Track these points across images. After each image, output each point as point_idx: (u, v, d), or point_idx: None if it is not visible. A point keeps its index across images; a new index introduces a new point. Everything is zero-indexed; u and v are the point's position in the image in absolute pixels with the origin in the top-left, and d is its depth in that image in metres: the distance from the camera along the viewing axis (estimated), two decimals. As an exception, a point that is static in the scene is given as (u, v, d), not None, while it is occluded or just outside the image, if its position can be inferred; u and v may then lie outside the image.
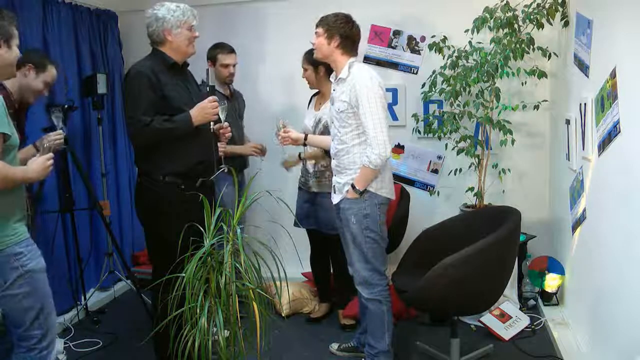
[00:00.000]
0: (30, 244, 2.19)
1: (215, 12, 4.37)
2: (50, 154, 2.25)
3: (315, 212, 3.50)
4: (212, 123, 2.77)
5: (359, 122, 2.75)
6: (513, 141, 3.68)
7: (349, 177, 2.84)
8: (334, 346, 3.27)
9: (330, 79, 3.00)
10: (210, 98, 2.73)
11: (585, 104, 2.94)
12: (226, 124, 2.90)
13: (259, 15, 4.36)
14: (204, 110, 2.70)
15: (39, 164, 2.20)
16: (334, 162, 2.96)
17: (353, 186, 2.79)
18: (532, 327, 3.41)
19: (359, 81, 2.73)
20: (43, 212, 3.52)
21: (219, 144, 3.00)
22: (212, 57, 3.68)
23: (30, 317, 2.16)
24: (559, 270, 3.58)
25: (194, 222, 2.28)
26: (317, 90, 3.59)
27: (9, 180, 2.08)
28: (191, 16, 2.76)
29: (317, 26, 2.84)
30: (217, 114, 2.76)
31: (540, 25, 3.47)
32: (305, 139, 3.24)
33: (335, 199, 2.95)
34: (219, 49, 3.68)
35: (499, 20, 3.53)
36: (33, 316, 2.17)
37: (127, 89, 2.72)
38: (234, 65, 3.69)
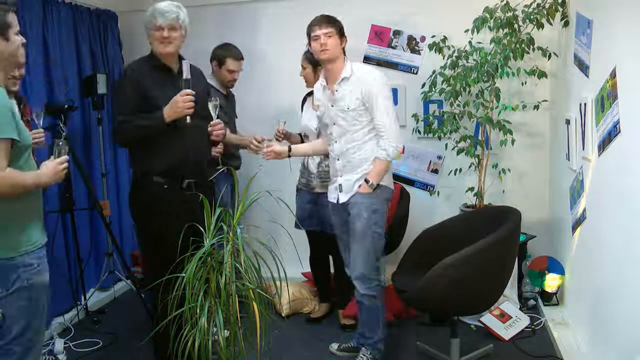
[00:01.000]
0: (42, 255, 2.12)
1: (215, 12, 4.37)
2: (65, 157, 2.16)
3: (318, 212, 3.49)
4: (188, 118, 2.65)
5: (371, 119, 2.83)
6: (513, 141, 3.68)
7: (361, 174, 2.88)
8: (334, 346, 3.28)
9: (320, 81, 3.00)
10: (183, 92, 2.63)
11: (585, 104, 2.94)
12: (217, 120, 2.80)
13: (258, 15, 4.36)
14: (175, 104, 2.62)
15: (51, 168, 2.11)
16: (340, 162, 2.96)
17: (367, 180, 2.84)
18: (532, 327, 3.41)
19: (368, 78, 2.84)
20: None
21: (217, 146, 2.97)
22: (220, 59, 3.62)
23: (16, 330, 2.04)
24: (559, 270, 3.58)
25: (189, 222, 2.28)
26: (311, 90, 3.58)
27: (18, 186, 1.99)
28: (157, 15, 2.67)
29: (324, 27, 2.82)
30: (192, 108, 2.64)
31: (540, 25, 3.47)
32: (290, 150, 3.13)
33: (343, 197, 2.95)
34: (229, 53, 3.63)
35: (499, 20, 3.53)
36: (19, 330, 2.04)
37: (114, 90, 2.77)
38: (239, 72, 3.69)
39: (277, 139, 3.44)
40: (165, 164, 2.70)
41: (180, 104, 2.62)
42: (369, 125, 2.86)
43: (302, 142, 3.49)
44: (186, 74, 2.68)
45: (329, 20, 2.86)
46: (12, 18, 2.04)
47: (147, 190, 2.74)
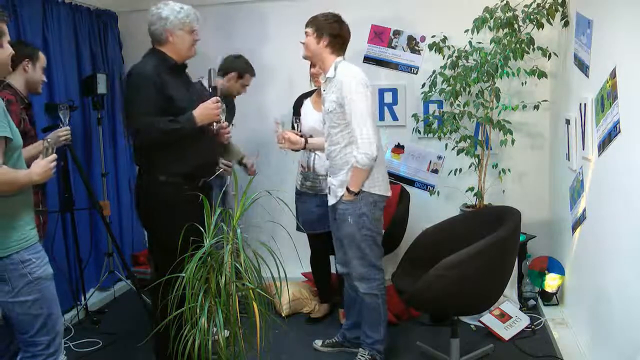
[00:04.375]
0: (39, 249, 2.18)
1: (215, 12, 4.36)
2: (54, 156, 2.21)
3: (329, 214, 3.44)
4: (214, 124, 2.77)
5: (348, 122, 2.77)
6: (513, 141, 3.68)
7: (343, 177, 2.87)
8: (318, 342, 3.29)
9: (320, 79, 3.01)
10: (214, 99, 2.73)
11: (585, 104, 2.94)
12: (225, 123, 2.88)
13: (259, 16, 4.36)
14: (207, 110, 2.70)
15: (41, 166, 2.16)
16: (327, 163, 2.99)
17: (348, 189, 2.82)
18: (532, 327, 3.41)
19: (343, 80, 2.76)
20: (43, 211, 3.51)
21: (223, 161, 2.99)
22: (241, 72, 3.66)
23: (37, 324, 2.15)
24: (559, 270, 3.58)
25: (195, 223, 2.27)
26: (307, 91, 3.56)
27: (12, 183, 2.05)
28: (194, 19, 2.74)
29: (306, 26, 2.87)
30: (220, 115, 2.75)
31: (540, 25, 3.47)
32: (306, 142, 3.16)
33: (331, 200, 2.97)
34: (249, 70, 3.69)
35: (499, 20, 3.53)
36: (40, 323, 2.16)
37: (130, 90, 2.69)
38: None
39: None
40: (191, 165, 2.73)
41: (212, 110, 2.70)
42: (347, 128, 2.79)
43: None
44: (214, 82, 2.81)
45: (308, 20, 2.87)
46: (5, 27, 2.13)
47: (160, 191, 2.72)
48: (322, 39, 2.82)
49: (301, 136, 3.18)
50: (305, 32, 2.87)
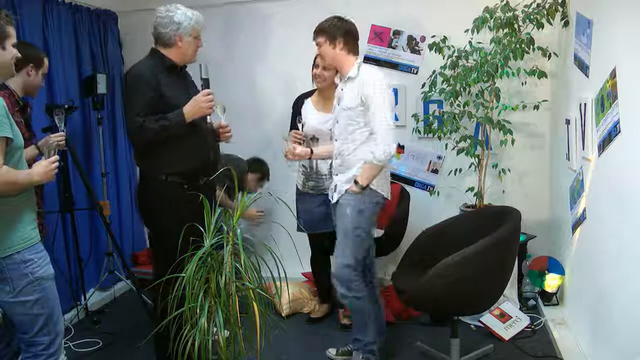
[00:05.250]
0: (40, 250, 2.18)
1: (216, 12, 4.36)
2: (56, 157, 2.21)
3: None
4: (209, 119, 2.74)
5: (368, 120, 2.79)
6: (513, 141, 3.67)
7: (351, 175, 2.86)
8: (332, 351, 3.22)
9: (335, 80, 3.03)
10: (205, 91, 2.68)
11: (585, 104, 2.94)
12: (225, 122, 2.86)
13: (259, 16, 4.36)
14: (197, 103, 2.66)
15: (43, 167, 2.17)
16: (337, 162, 2.97)
17: (356, 181, 2.81)
18: (532, 327, 3.41)
19: (370, 79, 2.79)
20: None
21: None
22: (263, 175, 4.06)
23: (38, 324, 2.16)
24: (559, 270, 3.58)
25: (196, 223, 2.27)
26: (307, 91, 3.56)
27: (12, 184, 2.05)
28: (201, 24, 2.77)
29: (316, 38, 2.88)
30: (213, 108, 2.71)
31: (540, 25, 3.47)
32: (312, 152, 3.15)
33: (335, 197, 2.96)
34: (269, 176, 4.08)
35: (499, 20, 3.53)
36: (41, 323, 2.17)
37: (126, 91, 2.72)
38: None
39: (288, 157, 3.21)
40: (190, 165, 2.72)
41: (203, 103, 2.66)
42: (366, 127, 2.81)
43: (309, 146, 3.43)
44: (205, 74, 2.75)
45: (315, 31, 2.88)
46: (11, 30, 2.12)
47: (159, 191, 2.72)
48: (336, 42, 2.83)
49: (303, 141, 3.21)
50: (318, 44, 2.88)
